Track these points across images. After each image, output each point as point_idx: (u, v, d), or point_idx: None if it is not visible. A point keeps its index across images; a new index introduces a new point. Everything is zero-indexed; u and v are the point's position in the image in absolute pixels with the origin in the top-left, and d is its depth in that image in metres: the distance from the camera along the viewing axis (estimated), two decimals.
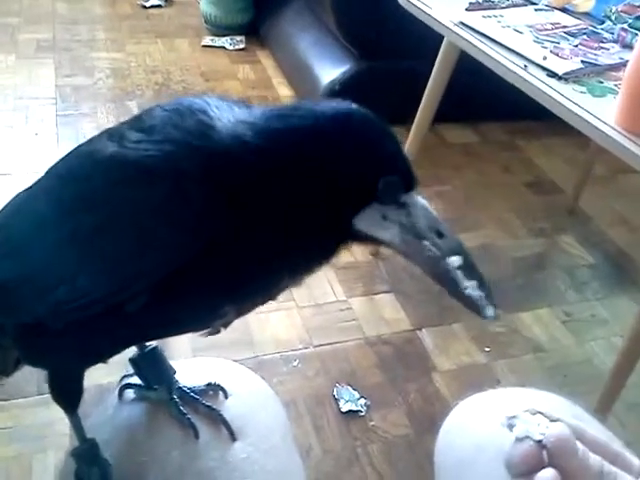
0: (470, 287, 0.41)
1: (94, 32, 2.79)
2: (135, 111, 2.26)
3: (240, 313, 0.49)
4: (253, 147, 0.42)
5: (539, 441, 0.39)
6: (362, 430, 1.33)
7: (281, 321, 1.55)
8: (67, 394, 0.56)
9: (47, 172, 0.52)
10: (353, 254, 1.77)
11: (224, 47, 2.76)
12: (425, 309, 1.61)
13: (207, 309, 0.48)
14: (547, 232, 1.96)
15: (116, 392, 0.64)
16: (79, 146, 0.50)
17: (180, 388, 0.63)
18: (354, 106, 0.44)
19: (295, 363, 1.45)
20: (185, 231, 0.42)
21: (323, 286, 1.66)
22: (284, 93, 2.48)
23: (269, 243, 0.44)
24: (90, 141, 0.49)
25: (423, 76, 1.52)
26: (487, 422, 0.61)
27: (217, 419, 0.61)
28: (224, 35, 2.80)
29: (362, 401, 1.38)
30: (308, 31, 2.42)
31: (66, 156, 0.51)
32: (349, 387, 1.41)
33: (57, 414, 1.26)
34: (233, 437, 0.61)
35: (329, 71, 2.20)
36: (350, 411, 1.36)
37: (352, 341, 1.53)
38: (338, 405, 1.37)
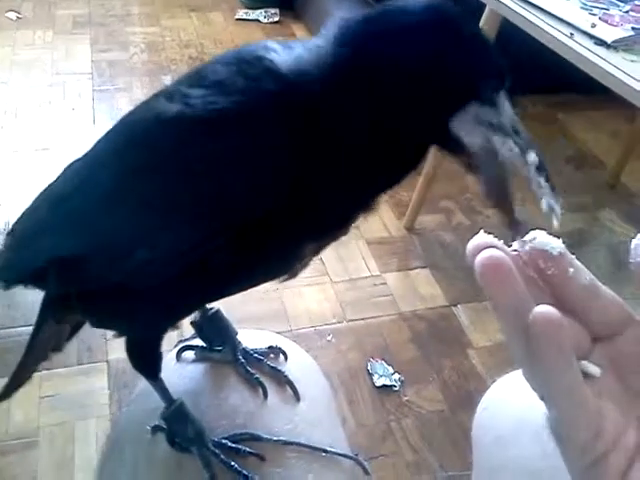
0: (542, 182, 0.40)
1: (128, 7, 2.80)
2: None
3: (318, 250, 0.49)
4: (329, 63, 0.41)
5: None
6: (396, 405, 1.33)
7: (315, 295, 1.55)
8: (147, 360, 0.57)
9: (98, 142, 0.51)
10: (387, 229, 1.76)
11: (258, 20, 2.73)
12: (461, 285, 1.59)
13: (290, 250, 0.47)
14: (588, 207, 1.91)
15: (173, 354, 0.65)
16: (131, 112, 0.49)
17: (244, 349, 0.64)
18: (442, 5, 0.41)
19: (329, 337, 1.45)
20: (269, 177, 0.41)
21: (357, 261, 1.66)
22: None
23: (354, 168, 0.42)
24: (144, 106, 0.48)
25: None
26: (527, 398, 0.60)
27: (282, 380, 0.62)
28: (258, 8, 2.77)
29: (396, 376, 1.38)
30: (344, 3, 2.38)
31: (119, 124, 0.50)
32: (383, 362, 1.41)
33: (97, 383, 1.31)
34: (298, 398, 0.61)
35: None
36: (384, 386, 1.36)
37: (386, 316, 1.52)
38: (372, 380, 1.37)
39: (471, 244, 0.33)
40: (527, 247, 0.35)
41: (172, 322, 0.55)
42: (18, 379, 0.67)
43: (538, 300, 0.33)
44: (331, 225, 0.47)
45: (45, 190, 0.55)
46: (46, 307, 0.60)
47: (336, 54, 0.41)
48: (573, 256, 0.35)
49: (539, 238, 0.35)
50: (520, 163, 0.41)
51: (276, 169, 0.41)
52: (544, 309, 0.31)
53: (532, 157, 0.40)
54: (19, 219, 0.56)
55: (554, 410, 0.33)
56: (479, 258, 0.32)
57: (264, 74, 0.42)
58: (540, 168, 0.40)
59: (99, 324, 0.57)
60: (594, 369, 0.34)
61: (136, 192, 0.45)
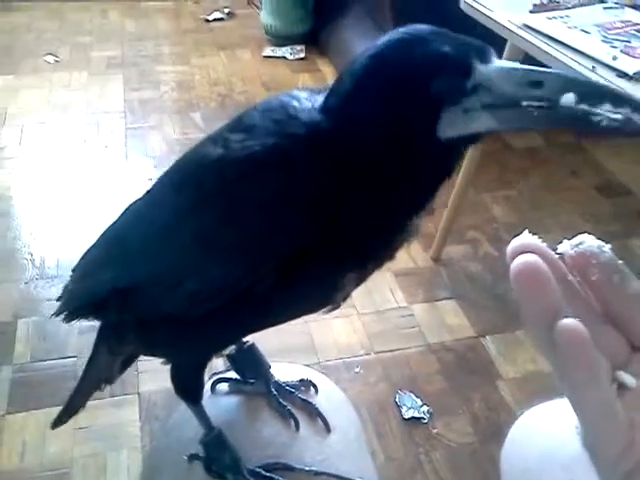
0: (607, 112, 0.36)
1: (160, 47, 2.90)
2: (199, 122, 2.33)
3: (360, 280, 0.51)
4: (329, 117, 0.44)
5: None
6: (425, 437, 1.32)
7: (343, 327, 1.56)
8: (191, 385, 0.59)
9: (155, 184, 0.56)
10: (414, 260, 1.76)
11: (285, 57, 2.80)
12: (488, 316, 1.58)
13: (331, 280, 0.49)
14: (617, 235, 1.89)
15: (208, 386, 0.67)
16: (184, 156, 0.53)
17: (277, 382, 0.66)
18: (394, 35, 0.45)
19: (357, 369, 1.46)
20: (303, 210, 0.44)
21: (384, 292, 1.66)
22: None
23: (383, 195, 0.44)
24: (194, 150, 0.52)
25: None
26: (554, 431, 0.60)
27: (313, 412, 0.64)
28: (284, 45, 2.85)
29: (425, 408, 1.37)
30: (367, 37, 2.43)
31: (173, 166, 0.54)
32: (411, 394, 1.40)
33: (128, 416, 1.33)
34: (328, 429, 0.63)
35: None
36: (413, 418, 1.35)
37: (414, 348, 1.52)
38: (401, 412, 1.36)
39: (512, 245, 0.32)
40: (573, 251, 0.34)
41: (217, 350, 0.58)
42: (72, 407, 0.70)
43: (579, 306, 0.32)
44: (370, 254, 0.49)
45: (106, 228, 0.60)
46: (101, 339, 0.63)
47: (331, 105, 0.45)
48: (621, 262, 0.34)
49: (587, 242, 0.34)
50: (559, 113, 0.37)
51: (311, 204, 0.44)
52: (568, 322, 0.30)
53: (569, 97, 0.37)
54: (82, 255, 0.61)
55: (583, 423, 0.32)
56: (515, 263, 0.31)
57: (288, 119, 0.46)
58: (597, 98, 0.36)
59: (150, 351, 0.60)
60: (629, 379, 0.33)
61: (185, 230, 0.49)
